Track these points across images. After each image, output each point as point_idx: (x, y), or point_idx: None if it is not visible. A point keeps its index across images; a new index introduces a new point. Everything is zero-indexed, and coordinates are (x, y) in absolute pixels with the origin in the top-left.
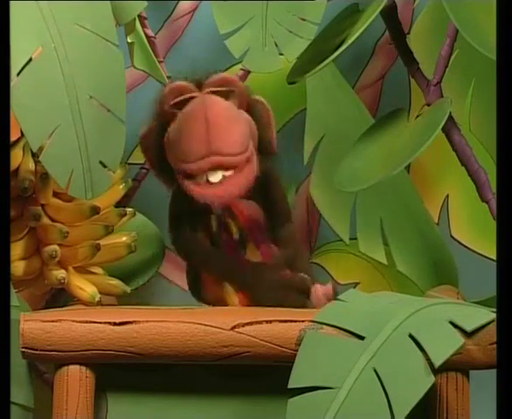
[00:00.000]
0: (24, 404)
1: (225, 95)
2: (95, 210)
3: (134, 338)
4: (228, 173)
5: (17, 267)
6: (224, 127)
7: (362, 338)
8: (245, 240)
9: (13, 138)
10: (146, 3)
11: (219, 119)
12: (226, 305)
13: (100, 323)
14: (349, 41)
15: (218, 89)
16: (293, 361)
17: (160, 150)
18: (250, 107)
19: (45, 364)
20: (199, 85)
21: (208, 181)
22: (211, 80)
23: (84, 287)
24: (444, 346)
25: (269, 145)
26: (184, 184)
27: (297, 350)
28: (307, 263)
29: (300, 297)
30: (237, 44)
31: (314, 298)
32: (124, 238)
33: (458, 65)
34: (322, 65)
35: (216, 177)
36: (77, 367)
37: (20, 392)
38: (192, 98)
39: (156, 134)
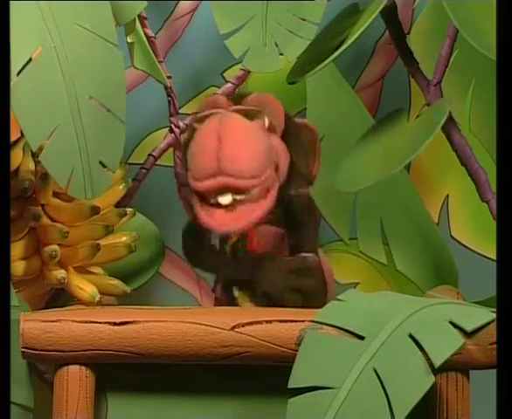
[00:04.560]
0: (24, 404)
1: (251, 115)
2: (95, 210)
3: (134, 338)
4: (239, 197)
5: (17, 267)
6: (236, 147)
7: (362, 338)
8: None
9: (13, 138)
10: (146, 3)
11: (232, 137)
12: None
13: (100, 323)
14: (349, 41)
15: (243, 108)
16: (293, 361)
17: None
18: (288, 131)
19: (45, 364)
20: (237, 102)
21: (217, 202)
22: (247, 99)
23: (84, 287)
24: (444, 346)
25: (306, 173)
26: (195, 204)
27: (297, 350)
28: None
29: (312, 275)
30: (237, 44)
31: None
32: (124, 238)
33: (458, 65)
34: (322, 65)
35: (225, 199)
36: (77, 367)
37: (20, 392)
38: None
39: (184, 147)
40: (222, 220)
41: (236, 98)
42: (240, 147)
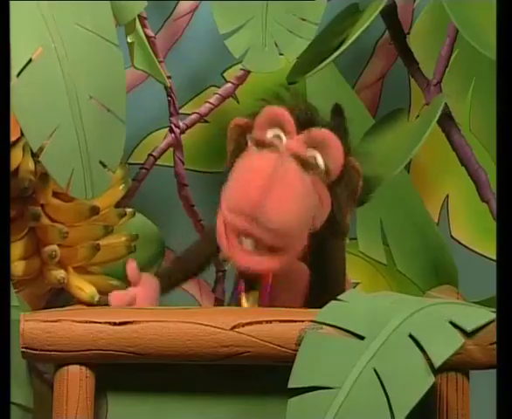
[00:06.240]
0: (24, 404)
1: (308, 165)
2: (95, 211)
3: (135, 338)
4: (261, 246)
5: (17, 267)
6: (282, 204)
7: (362, 338)
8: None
9: (13, 138)
10: (146, 3)
11: (283, 192)
12: None
13: (100, 323)
14: (349, 41)
15: (303, 155)
16: (293, 361)
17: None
18: (341, 173)
19: (45, 364)
20: (303, 123)
21: (239, 244)
22: (312, 132)
23: (83, 287)
24: (444, 346)
25: (342, 224)
26: (219, 229)
27: (297, 350)
28: None
29: None
30: (237, 44)
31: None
32: (124, 238)
33: (458, 65)
34: (322, 65)
35: (248, 244)
36: (77, 367)
37: (20, 392)
38: (274, 146)
39: (234, 154)
40: (243, 257)
41: (302, 124)
42: (286, 207)
